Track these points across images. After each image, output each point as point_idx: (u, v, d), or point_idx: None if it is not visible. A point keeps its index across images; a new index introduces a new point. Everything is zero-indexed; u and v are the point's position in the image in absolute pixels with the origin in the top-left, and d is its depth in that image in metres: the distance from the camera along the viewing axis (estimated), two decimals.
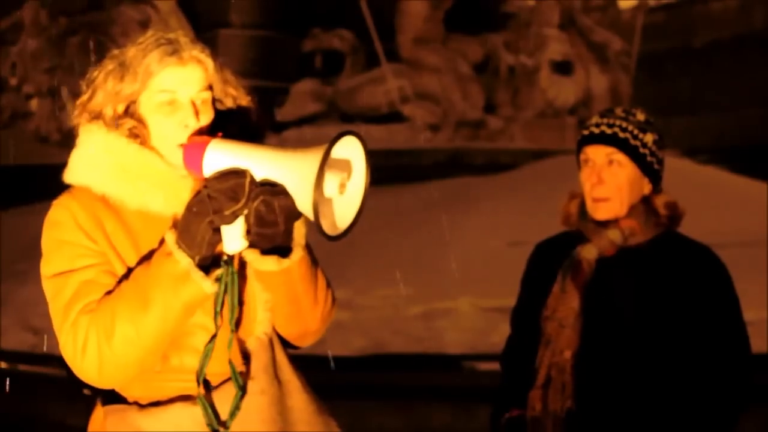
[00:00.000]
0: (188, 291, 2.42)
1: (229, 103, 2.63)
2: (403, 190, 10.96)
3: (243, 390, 2.52)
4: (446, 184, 11.41)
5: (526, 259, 3.67)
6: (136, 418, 2.53)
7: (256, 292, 2.59)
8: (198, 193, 2.41)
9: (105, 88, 2.56)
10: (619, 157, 3.37)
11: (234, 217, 2.39)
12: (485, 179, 11.56)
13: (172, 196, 2.52)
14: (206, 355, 2.49)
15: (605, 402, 3.30)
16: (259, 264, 2.47)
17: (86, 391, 2.63)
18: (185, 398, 2.52)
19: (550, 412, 3.34)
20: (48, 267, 2.53)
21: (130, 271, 2.49)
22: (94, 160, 2.54)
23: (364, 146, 2.42)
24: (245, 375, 2.55)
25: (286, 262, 2.47)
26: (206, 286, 2.42)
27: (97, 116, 2.57)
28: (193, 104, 2.54)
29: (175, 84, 2.54)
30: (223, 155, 2.43)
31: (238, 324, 2.54)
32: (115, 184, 2.53)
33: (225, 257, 2.46)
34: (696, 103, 20.14)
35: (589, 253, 3.38)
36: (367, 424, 6.57)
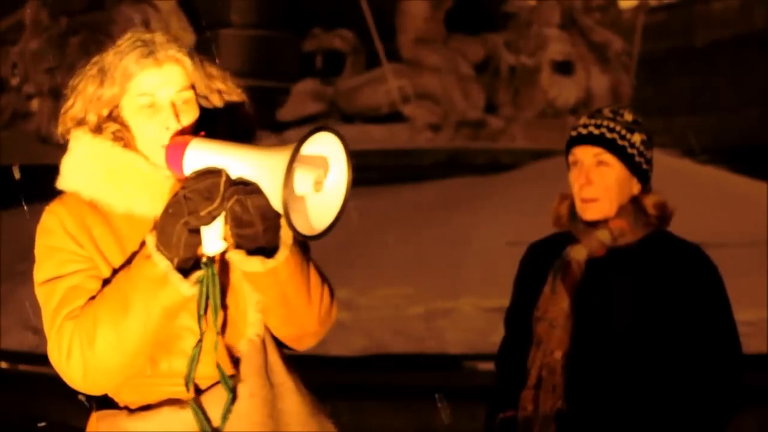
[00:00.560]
0: (167, 294, 2.40)
1: (215, 99, 2.60)
2: (403, 190, 10.97)
3: (233, 393, 2.50)
4: (447, 184, 11.42)
5: None
6: (125, 422, 2.53)
7: (246, 294, 2.56)
8: (175, 194, 2.40)
9: (85, 94, 2.56)
10: (607, 157, 3.38)
11: (211, 217, 2.37)
12: (486, 179, 11.56)
13: (157, 198, 2.50)
14: (193, 359, 2.47)
15: (596, 402, 3.31)
16: (244, 265, 2.45)
17: (81, 397, 2.63)
18: (174, 402, 2.51)
19: (541, 413, 3.35)
20: (39, 274, 2.54)
21: (114, 275, 2.49)
22: (82, 165, 2.55)
23: (343, 142, 2.37)
24: (235, 378, 2.53)
25: (271, 263, 2.44)
26: (184, 288, 2.41)
27: (80, 122, 2.57)
28: (173, 105, 2.52)
29: (153, 86, 2.52)
30: (202, 154, 2.40)
31: (224, 326, 2.52)
32: (102, 189, 2.52)
33: (205, 259, 2.44)
34: (696, 102, 20.13)
35: (578, 253, 3.39)
36: (368, 424, 6.57)
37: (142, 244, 2.44)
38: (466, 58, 14.00)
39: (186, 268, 2.42)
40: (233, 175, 2.35)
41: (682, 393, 3.26)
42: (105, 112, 2.55)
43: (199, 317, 2.45)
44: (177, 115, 2.52)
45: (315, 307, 2.59)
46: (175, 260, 2.40)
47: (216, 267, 2.46)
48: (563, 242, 3.45)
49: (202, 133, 2.48)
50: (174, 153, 2.44)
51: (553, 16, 14.14)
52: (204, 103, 2.59)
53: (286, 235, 2.46)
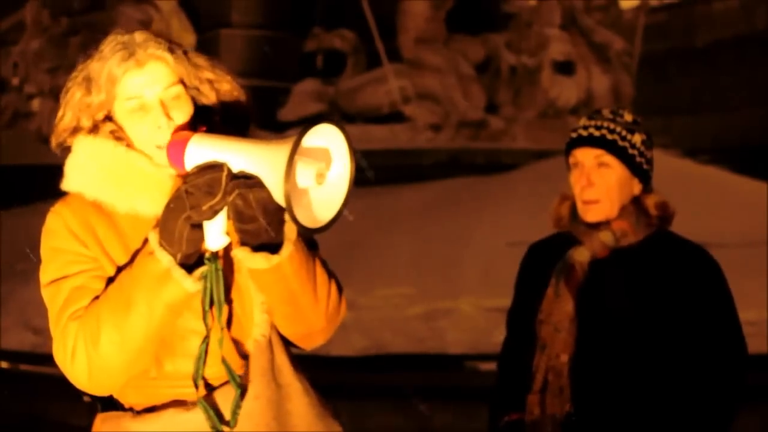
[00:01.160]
0: (170, 290, 2.39)
1: (206, 89, 2.57)
2: (404, 190, 10.97)
3: (242, 388, 2.49)
4: (447, 184, 11.42)
5: None
6: (130, 424, 2.52)
7: (252, 294, 2.54)
8: (177, 189, 2.38)
9: (74, 102, 2.55)
10: (608, 158, 3.37)
11: (212, 212, 2.35)
12: (487, 179, 11.57)
13: (160, 197, 2.48)
14: (200, 357, 2.46)
15: (603, 404, 3.30)
16: (249, 262, 2.42)
17: (86, 398, 2.62)
18: (179, 403, 2.50)
19: (548, 416, 3.34)
20: (44, 275, 2.53)
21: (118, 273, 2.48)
22: (85, 166, 2.53)
23: (345, 134, 2.35)
24: (243, 377, 2.51)
25: (275, 259, 2.41)
26: (188, 284, 2.38)
27: (75, 131, 2.56)
28: (162, 104, 2.50)
29: (138, 88, 2.49)
30: (204, 150, 2.39)
31: (229, 323, 2.51)
32: (105, 189, 2.51)
33: (208, 254, 2.42)
34: (697, 103, 20.12)
35: (581, 256, 3.38)
36: (369, 424, 6.57)
37: (145, 241, 2.43)
38: (467, 58, 14.00)
39: (189, 264, 2.40)
40: (235, 170, 2.34)
41: (688, 392, 3.25)
42: (100, 116, 2.54)
43: (204, 313, 2.43)
44: (167, 113, 2.49)
45: (322, 303, 2.56)
46: (178, 256, 2.38)
47: (220, 263, 2.44)
48: (564, 243, 3.45)
49: (203, 128, 2.47)
50: (175, 150, 2.43)
51: (554, 16, 14.14)
52: (196, 95, 2.56)
53: (290, 231, 2.43)
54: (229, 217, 2.39)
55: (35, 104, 15.09)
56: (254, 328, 2.56)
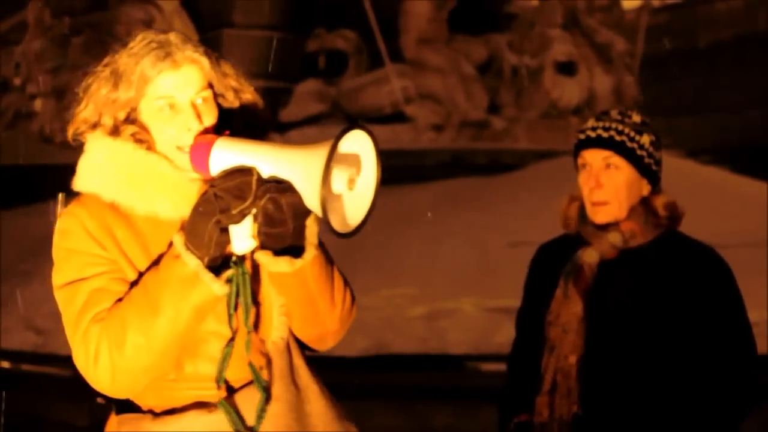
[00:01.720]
0: (198, 293, 2.38)
1: (230, 97, 2.57)
2: (406, 191, 10.96)
3: (267, 392, 2.48)
4: (449, 184, 11.42)
5: (529, 259, 3.66)
6: (149, 425, 2.50)
7: (271, 296, 2.54)
8: (204, 192, 2.37)
9: (98, 96, 2.52)
10: (617, 160, 3.36)
11: (242, 216, 2.34)
12: (488, 180, 11.57)
13: (181, 200, 2.47)
14: (224, 359, 2.45)
15: (612, 405, 3.30)
16: (272, 265, 2.42)
17: (100, 400, 2.60)
18: (200, 405, 2.49)
19: (557, 418, 3.33)
20: (59, 277, 2.50)
21: (140, 277, 2.45)
22: (102, 167, 2.51)
23: (374, 140, 2.36)
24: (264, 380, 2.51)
25: (299, 263, 2.41)
26: (216, 287, 2.38)
27: (94, 125, 2.53)
28: (194, 106, 2.49)
29: (172, 89, 2.48)
30: (229, 154, 2.38)
31: (255, 325, 2.51)
32: (124, 191, 2.49)
33: (234, 258, 2.41)
34: (699, 103, 20.13)
35: (590, 257, 3.37)
36: (370, 424, 6.57)
37: (170, 245, 2.42)
38: (469, 59, 14.01)
39: (215, 267, 2.39)
40: (264, 174, 2.34)
41: (697, 393, 3.25)
42: (122, 115, 2.52)
43: (230, 316, 2.43)
44: (199, 116, 2.49)
45: (338, 306, 2.57)
46: (205, 259, 2.37)
47: (247, 266, 2.44)
48: (573, 244, 3.44)
49: (227, 132, 2.46)
50: (199, 153, 2.42)
51: (556, 16, 14.15)
52: (221, 102, 2.56)
53: (311, 235, 2.44)
54: (253, 221, 2.39)
55: (37, 104, 15.08)
56: (273, 331, 2.56)
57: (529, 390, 3.42)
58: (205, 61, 2.51)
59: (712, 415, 3.25)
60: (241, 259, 2.42)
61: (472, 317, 8.19)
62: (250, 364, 2.47)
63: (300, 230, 2.41)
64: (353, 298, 2.63)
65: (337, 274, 2.57)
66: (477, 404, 6.49)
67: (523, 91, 14.04)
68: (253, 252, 2.43)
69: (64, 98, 14.07)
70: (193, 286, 2.37)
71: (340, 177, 2.31)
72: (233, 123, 2.55)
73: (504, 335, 6.97)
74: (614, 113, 3.42)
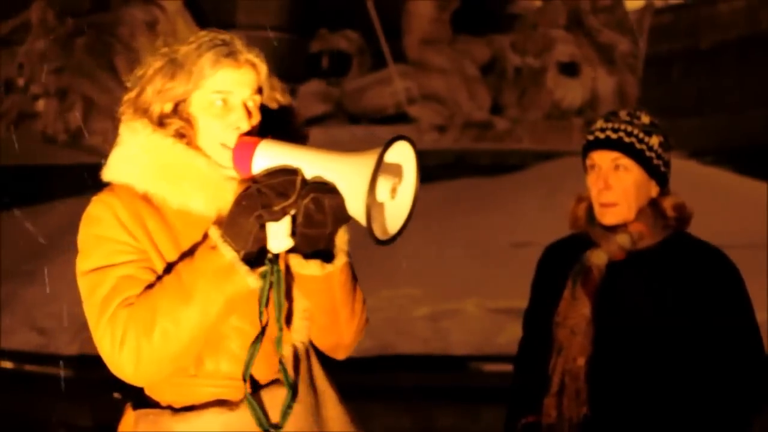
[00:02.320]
0: (232, 285, 2.39)
1: (273, 107, 2.62)
2: None
3: (294, 389, 2.50)
4: (452, 185, 11.42)
5: (532, 260, 3.66)
6: (169, 422, 2.50)
7: (295, 300, 2.56)
8: (247, 187, 2.39)
9: (154, 85, 2.54)
10: (625, 161, 3.35)
11: (282, 213, 2.37)
12: (491, 180, 11.57)
13: (215, 197, 2.50)
14: (252, 355, 2.46)
15: (620, 407, 3.29)
16: (302, 268, 2.46)
17: (117, 395, 2.61)
18: (221, 403, 2.50)
19: (565, 419, 3.33)
20: (85, 262, 2.49)
21: (170, 267, 2.46)
22: (137, 158, 2.52)
23: (415, 151, 2.41)
24: (280, 381, 2.53)
25: (329, 267, 2.45)
26: (251, 280, 2.39)
27: (143, 113, 2.55)
28: (245, 106, 2.53)
29: (229, 85, 2.52)
30: (273, 156, 2.42)
31: (288, 322, 2.53)
32: (158, 183, 2.51)
33: (270, 255, 2.42)
34: (702, 104, 20.12)
35: (598, 258, 3.37)
36: (373, 425, 6.57)
37: (204, 237, 2.43)
38: (472, 59, 14.01)
39: (249, 262, 2.40)
40: (308, 176, 2.37)
41: (705, 395, 3.24)
42: (169, 107, 2.54)
43: (261, 312, 2.43)
44: (249, 116, 2.53)
45: (356, 318, 2.62)
46: (242, 252, 2.39)
47: (282, 264, 2.46)
48: (580, 244, 3.43)
49: (270, 136, 2.49)
50: (243, 152, 2.45)
51: (559, 17, 14.15)
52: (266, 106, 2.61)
53: (341, 242, 2.48)
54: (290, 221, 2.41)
55: (40, 105, 15.08)
56: (294, 334, 2.58)
57: (536, 391, 3.42)
58: (264, 68, 2.57)
59: (720, 417, 3.24)
60: (276, 256, 2.43)
61: (475, 318, 8.18)
62: (280, 362, 2.49)
63: (332, 236, 2.44)
64: (367, 315, 2.67)
65: (358, 288, 2.61)
66: (480, 405, 6.50)
67: (526, 91, 14.04)
68: (285, 252, 2.45)
69: (67, 99, 14.09)
70: (228, 278, 2.38)
71: (384, 186, 2.34)
72: (273, 131, 2.57)
73: (507, 336, 6.98)
74: (623, 114, 3.42)
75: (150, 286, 2.44)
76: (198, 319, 2.39)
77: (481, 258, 9.15)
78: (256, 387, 2.52)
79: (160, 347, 2.39)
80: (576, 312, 3.35)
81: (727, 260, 3.36)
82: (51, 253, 9.66)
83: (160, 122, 2.54)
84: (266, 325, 2.45)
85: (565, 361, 3.35)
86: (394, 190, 2.37)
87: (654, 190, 3.40)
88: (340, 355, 2.68)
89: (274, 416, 2.49)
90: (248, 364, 2.46)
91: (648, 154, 3.36)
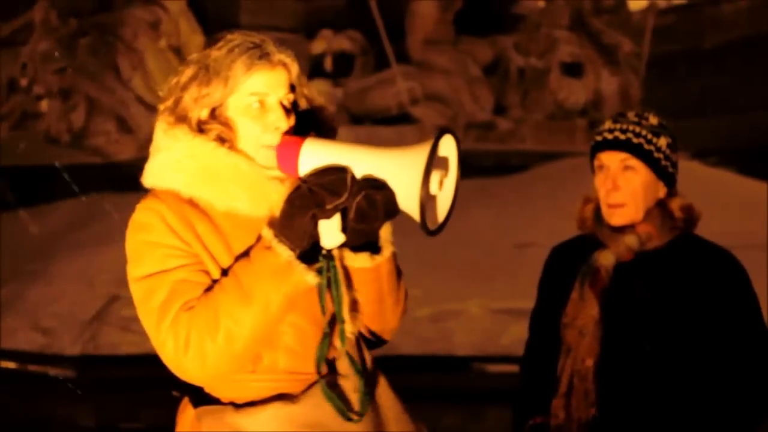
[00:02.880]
0: (290, 283, 2.44)
1: (303, 104, 2.66)
2: None
3: (366, 377, 2.58)
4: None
5: (535, 260, 3.66)
6: (234, 418, 2.54)
7: (344, 292, 2.61)
8: (298, 187, 2.44)
9: (190, 92, 2.56)
10: (634, 162, 3.35)
11: (335, 211, 2.42)
12: (495, 181, 11.57)
13: (260, 197, 2.54)
14: (322, 347, 2.53)
15: (629, 408, 3.29)
16: (353, 261, 2.54)
17: (175, 393, 2.63)
18: (282, 397, 2.54)
19: (574, 420, 3.32)
20: (138, 269, 2.53)
21: (225, 270, 2.51)
22: (180, 164, 2.55)
23: (458, 144, 2.49)
24: (333, 375, 2.58)
25: (378, 259, 2.56)
26: (309, 277, 2.45)
27: (182, 120, 2.57)
28: (282, 106, 2.56)
29: (265, 87, 2.56)
30: (318, 154, 2.46)
31: (332, 320, 2.57)
32: (203, 187, 2.54)
33: (324, 251, 2.48)
34: (706, 104, 20.12)
35: (606, 259, 3.36)
36: None
37: (258, 238, 2.48)
38: (475, 60, 14.01)
39: (304, 259, 2.46)
40: (357, 173, 2.42)
41: (713, 396, 3.24)
42: (206, 113, 2.57)
43: (323, 306, 2.50)
44: (287, 116, 2.56)
45: (400, 305, 2.73)
46: (297, 251, 2.44)
47: (337, 260, 2.53)
48: (588, 245, 3.43)
49: (312, 133, 2.55)
50: (288, 152, 2.49)
51: (563, 17, 14.16)
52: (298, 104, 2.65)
53: (386, 233, 2.58)
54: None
55: (43, 105, 15.07)
56: (345, 325, 2.61)
57: (544, 392, 3.42)
58: (295, 67, 2.63)
59: (729, 417, 3.24)
60: (330, 253, 2.49)
61: (479, 318, 8.18)
62: (347, 353, 2.57)
63: (379, 229, 2.51)
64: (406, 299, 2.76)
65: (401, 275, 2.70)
66: (483, 406, 6.49)
67: (529, 92, 14.05)
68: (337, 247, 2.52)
69: (70, 99, 14.09)
70: (286, 276, 2.44)
71: (434, 179, 2.41)
72: (306, 128, 2.62)
73: (510, 336, 6.97)
74: (631, 115, 3.42)
75: (207, 289, 2.48)
76: (259, 318, 2.45)
77: (484, 258, 9.14)
78: (316, 380, 2.57)
79: (225, 347, 2.44)
80: (584, 313, 3.35)
81: (734, 261, 3.36)
82: (52, 253, 9.67)
83: (200, 128, 2.57)
84: (332, 319, 2.54)
85: (573, 362, 3.35)
86: (441, 183, 2.43)
87: (662, 191, 3.40)
88: (387, 338, 2.77)
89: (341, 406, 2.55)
90: (320, 356, 2.53)
91: (656, 155, 3.36)
